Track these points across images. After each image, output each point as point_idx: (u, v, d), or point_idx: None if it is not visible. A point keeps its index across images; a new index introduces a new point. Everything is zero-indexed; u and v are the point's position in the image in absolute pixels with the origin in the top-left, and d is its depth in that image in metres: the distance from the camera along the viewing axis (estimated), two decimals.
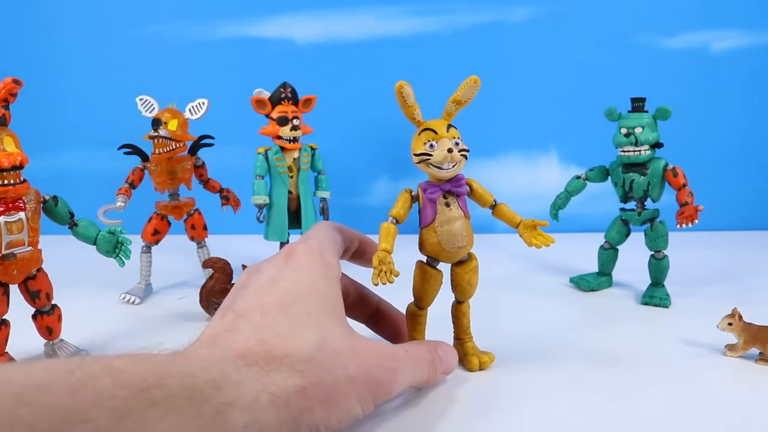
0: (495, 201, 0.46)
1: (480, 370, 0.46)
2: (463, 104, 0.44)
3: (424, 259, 0.45)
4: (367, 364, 0.34)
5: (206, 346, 0.32)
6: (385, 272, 0.40)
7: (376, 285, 0.41)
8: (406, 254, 0.49)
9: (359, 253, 0.47)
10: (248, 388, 0.29)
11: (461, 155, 0.42)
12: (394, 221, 0.43)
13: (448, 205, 0.43)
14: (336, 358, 0.33)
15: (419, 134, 0.43)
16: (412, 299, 0.46)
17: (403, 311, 0.48)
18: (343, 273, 0.46)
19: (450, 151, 0.42)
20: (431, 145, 0.42)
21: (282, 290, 0.35)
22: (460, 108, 0.44)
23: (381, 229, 0.43)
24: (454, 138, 0.42)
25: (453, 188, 0.43)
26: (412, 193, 0.44)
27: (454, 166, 0.42)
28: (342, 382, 0.33)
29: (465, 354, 0.47)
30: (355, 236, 0.46)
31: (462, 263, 0.45)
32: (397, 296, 0.48)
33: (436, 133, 0.42)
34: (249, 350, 0.31)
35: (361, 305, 0.48)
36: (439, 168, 0.42)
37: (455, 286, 0.46)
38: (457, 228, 0.43)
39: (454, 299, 0.47)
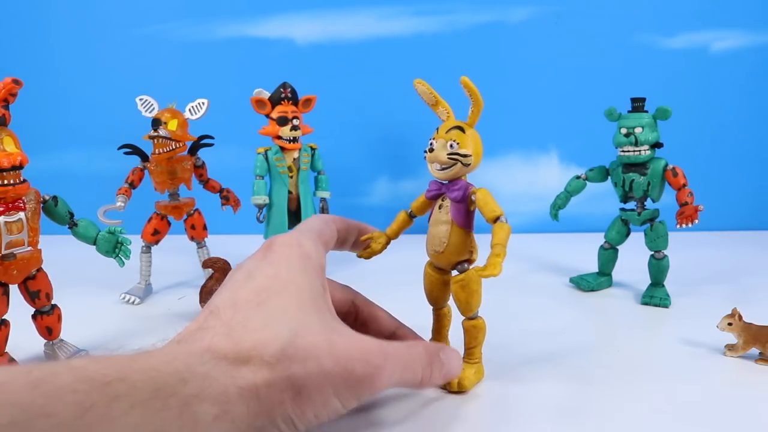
0: (498, 218, 0.40)
1: (459, 389, 0.43)
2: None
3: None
4: (346, 358, 0.33)
5: (175, 344, 0.32)
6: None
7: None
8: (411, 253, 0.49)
9: (360, 243, 0.46)
10: (215, 381, 0.29)
11: (450, 159, 0.41)
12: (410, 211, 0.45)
13: (440, 207, 0.43)
14: (309, 351, 0.32)
15: None
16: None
17: (417, 315, 0.47)
18: (357, 292, 0.45)
19: (428, 151, 0.42)
20: (430, 144, 0.42)
21: (257, 285, 0.34)
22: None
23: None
24: (450, 140, 0.41)
25: (446, 191, 0.43)
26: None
27: (444, 168, 0.42)
28: (315, 375, 0.31)
29: None
30: (354, 226, 0.45)
31: (458, 274, 0.43)
32: (408, 299, 0.48)
33: (438, 132, 0.42)
34: (216, 344, 0.31)
35: (375, 326, 0.45)
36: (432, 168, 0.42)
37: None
38: (438, 232, 0.43)
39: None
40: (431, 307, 0.47)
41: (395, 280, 0.51)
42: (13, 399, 0.23)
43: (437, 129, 0.43)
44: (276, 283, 0.35)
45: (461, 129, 0.42)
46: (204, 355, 0.30)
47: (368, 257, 0.46)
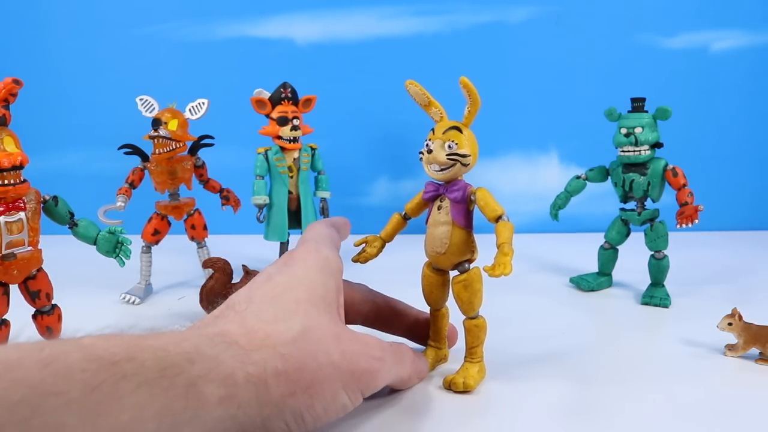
0: (500, 217, 0.41)
1: (464, 389, 0.42)
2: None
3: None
4: (351, 351, 0.34)
5: (188, 329, 0.33)
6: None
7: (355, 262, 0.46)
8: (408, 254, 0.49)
9: (343, 234, 0.47)
10: (223, 363, 0.29)
11: (449, 160, 0.41)
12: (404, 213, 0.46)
13: (439, 208, 0.43)
14: (319, 344, 0.33)
15: None
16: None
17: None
18: (375, 291, 0.47)
19: (424, 153, 0.42)
20: (426, 145, 0.42)
21: (273, 283, 0.36)
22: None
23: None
24: (448, 141, 0.41)
25: (444, 192, 0.43)
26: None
27: (443, 169, 0.42)
28: (325, 368, 0.33)
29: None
30: (337, 222, 0.47)
31: (459, 273, 0.43)
32: (405, 300, 0.49)
33: (434, 133, 0.42)
34: (228, 330, 0.32)
35: (398, 319, 0.48)
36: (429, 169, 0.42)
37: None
38: (439, 233, 0.43)
39: None
40: (429, 308, 0.47)
41: (393, 281, 0.51)
42: (25, 376, 0.24)
43: (432, 130, 0.43)
44: (291, 279, 0.37)
45: (458, 129, 0.42)
46: (215, 338, 0.31)
47: (364, 261, 0.46)
